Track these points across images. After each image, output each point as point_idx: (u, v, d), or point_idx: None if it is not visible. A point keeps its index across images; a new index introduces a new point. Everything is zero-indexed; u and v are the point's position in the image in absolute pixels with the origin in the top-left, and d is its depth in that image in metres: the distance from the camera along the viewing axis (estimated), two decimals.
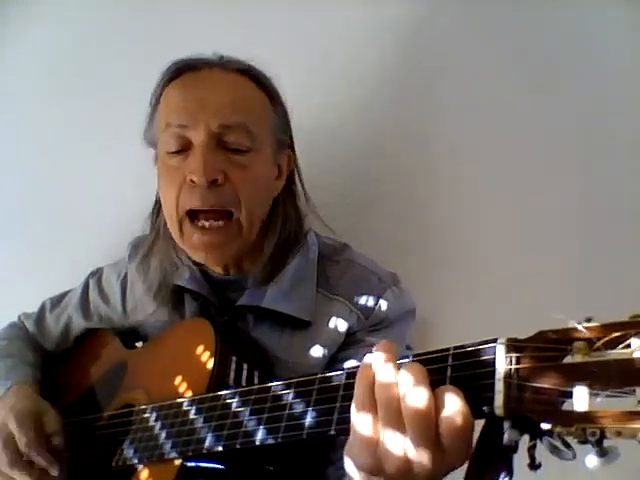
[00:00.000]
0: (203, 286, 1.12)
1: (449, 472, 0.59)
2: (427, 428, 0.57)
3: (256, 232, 1.06)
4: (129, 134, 1.40)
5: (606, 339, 0.50)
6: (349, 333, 1.06)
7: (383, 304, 1.06)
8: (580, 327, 0.52)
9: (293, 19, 1.41)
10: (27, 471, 1.01)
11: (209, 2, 1.43)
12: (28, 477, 1.01)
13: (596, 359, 0.50)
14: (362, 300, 1.06)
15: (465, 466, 0.58)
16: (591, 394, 0.49)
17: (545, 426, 0.50)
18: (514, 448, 0.53)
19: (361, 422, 0.62)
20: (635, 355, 0.48)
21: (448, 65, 1.39)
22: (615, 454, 0.48)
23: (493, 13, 1.36)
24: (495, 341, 0.58)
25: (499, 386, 0.54)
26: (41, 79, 1.54)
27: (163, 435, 0.90)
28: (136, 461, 0.92)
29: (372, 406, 0.61)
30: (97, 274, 1.30)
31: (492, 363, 0.56)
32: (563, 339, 0.53)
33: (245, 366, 0.97)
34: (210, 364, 0.94)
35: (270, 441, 0.75)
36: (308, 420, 0.72)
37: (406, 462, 0.58)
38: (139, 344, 1.25)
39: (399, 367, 0.62)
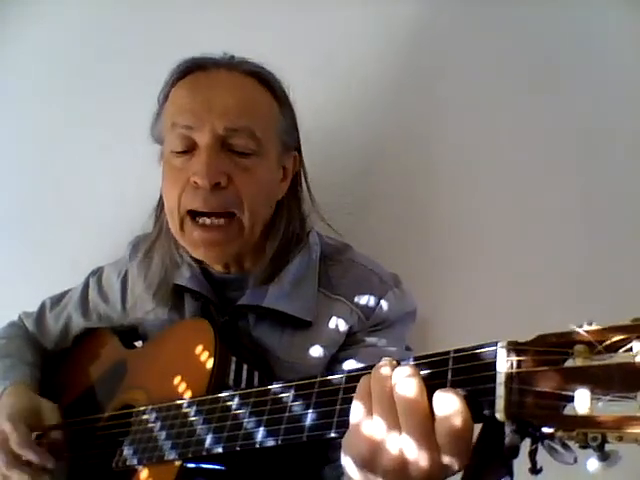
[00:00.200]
0: (203, 285, 1.12)
1: (447, 476, 0.59)
2: (419, 421, 0.58)
3: (258, 233, 1.06)
4: (129, 134, 1.41)
5: (607, 343, 0.50)
6: (350, 333, 1.06)
7: (384, 305, 1.06)
8: (581, 330, 0.51)
9: (293, 19, 1.40)
10: (25, 471, 1.01)
11: (209, 2, 1.43)
12: (27, 476, 1.01)
13: (597, 363, 0.50)
14: (363, 300, 1.06)
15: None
16: (592, 398, 0.48)
17: (546, 430, 0.50)
18: (515, 453, 0.53)
19: (357, 412, 0.63)
20: (637, 359, 0.47)
21: (448, 65, 1.39)
22: (616, 458, 0.48)
23: (493, 13, 1.36)
24: (496, 344, 0.58)
25: (500, 390, 0.54)
26: (41, 79, 1.53)
27: (163, 436, 0.90)
28: (136, 462, 0.92)
29: (367, 397, 0.63)
30: (97, 273, 1.30)
31: (493, 367, 0.56)
32: (564, 342, 0.53)
33: (245, 366, 0.97)
34: (210, 364, 0.94)
35: (270, 443, 0.75)
36: (308, 422, 0.71)
37: (401, 457, 0.59)
38: (138, 343, 1.25)
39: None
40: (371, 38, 1.40)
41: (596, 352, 0.50)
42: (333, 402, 0.70)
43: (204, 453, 0.82)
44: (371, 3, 1.39)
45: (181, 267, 1.13)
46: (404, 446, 0.58)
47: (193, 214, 1.01)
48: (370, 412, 0.62)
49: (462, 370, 0.60)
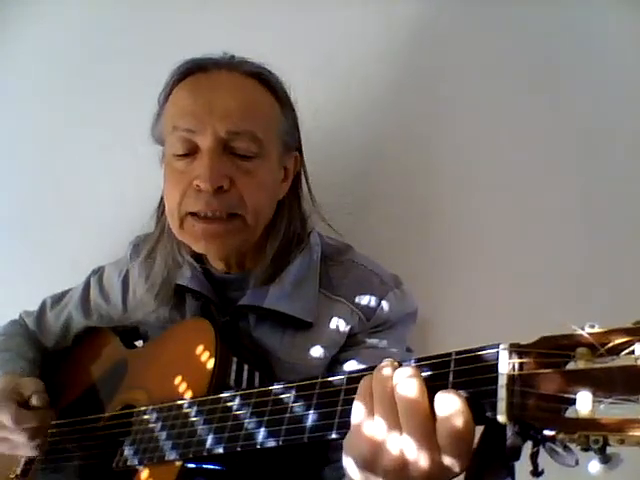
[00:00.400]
0: (204, 285, 1.12)
1: (449, 478, 0.59)
2: (420, 421, 0.58)
3: (260, 232, 1.06)
4: (129, 134, 1.41)
5: (610, 345, 0.50)
6: (350, 334, 1.06)
7: (385, 306, 1.06)
8: (584, 333, 0.51)
9: (293, 19, 1.40)
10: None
11: (209, 2, 1.43)
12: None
13: (600, 365, 0.50)
14: (364, 301, 1.06)
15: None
16: (594, 401, 0.48)
17: (548, 433, 0.51)
18: (517, 455, 0.53)
19: (358, 413, 0.64)
20: (639, 362, 0.48)
21: (448, 65, 1.39)
22: (618, 461, 0.48)
23: (493, 13, 1.35)
24: (498, 346, 0.58)
25: (502, 392, 0.54)
26: (41, 79, 1.53)
27: (163, 436, 0.90)
28: (136, 462, 0.92)
29: (369, 397, 0.63)
30: (99, 272, 1.30)
31: (495, 369, 0.56)
32: (566, 345, 0.53)
33: (246, 367, 0.97)
34: (210, 364, 0.94)
35: (271, 444, 0.75)
36: (309, 423, 0.72)
37: (402, 458, 0.59)
38: (139, 343, 1.25)
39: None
40: (371, 38, 1.39)
41: (598, 355, 0.50)
42: (334, 403, 0.70)
43: (205, 453, 0.82)
44: (371, 3, 1.38)
45: (182, 267, 1.13)
46: (405, 447, 0.59)
47: (194, 214, 1.01)
48: (371, 413, 0.62)
49: (464, 372, 0.60)
